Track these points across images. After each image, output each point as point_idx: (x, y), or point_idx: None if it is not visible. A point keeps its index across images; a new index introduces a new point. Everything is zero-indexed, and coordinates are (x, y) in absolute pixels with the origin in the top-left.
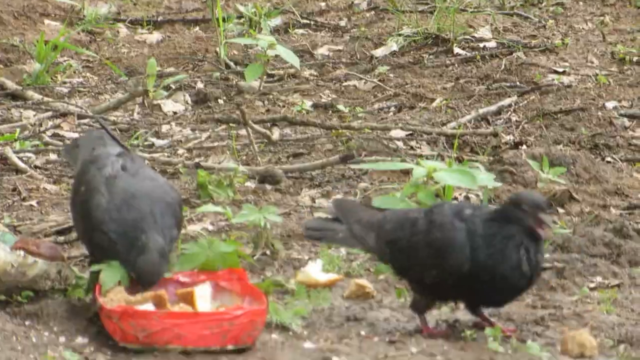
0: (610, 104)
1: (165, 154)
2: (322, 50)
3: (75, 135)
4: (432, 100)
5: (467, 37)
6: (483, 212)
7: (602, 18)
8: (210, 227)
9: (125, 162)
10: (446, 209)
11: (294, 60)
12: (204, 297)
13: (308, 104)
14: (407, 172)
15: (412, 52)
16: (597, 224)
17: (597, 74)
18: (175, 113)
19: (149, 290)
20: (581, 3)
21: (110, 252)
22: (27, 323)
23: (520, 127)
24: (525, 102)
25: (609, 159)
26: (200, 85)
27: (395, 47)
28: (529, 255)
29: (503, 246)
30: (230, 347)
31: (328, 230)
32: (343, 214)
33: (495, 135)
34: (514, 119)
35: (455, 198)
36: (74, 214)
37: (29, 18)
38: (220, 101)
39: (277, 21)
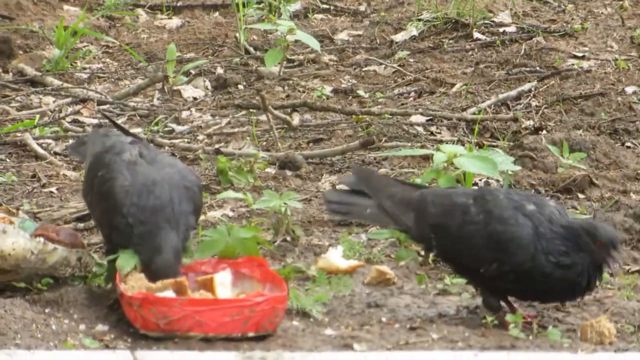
0: (629, 89)
1: (185, 140)
2: (341, 36)
3: (95, 121)
4: (452, 85)
5: (487, 21)
6: (546, 211)
7: (621, 2)
8: (231, 214)
9: (141, 149)
10: (502, 200)
11: (314, 43)
12: (224, 284)
13: (328, 89)
14: (427, 158)
15: (431, 37)
16: (617, 210)
17: (616, 59)
18: (195, 99)
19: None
20: None
21: (126, 237)
22: (47, 310)
23: (540, 112)
24: (545, 87)
25: (628, 144)
26: (220, 70)
27: (415, 32)
28: (590, 280)
29: (568, 268)
30: (251, 334)
31: (353, 205)
32: (370, 187)
33: (515, 120)
34: (533, 104)
35: (475, 184)
36: (89, 199)
37: (48, 4)
38: (240, 87)
39: (296, 6)
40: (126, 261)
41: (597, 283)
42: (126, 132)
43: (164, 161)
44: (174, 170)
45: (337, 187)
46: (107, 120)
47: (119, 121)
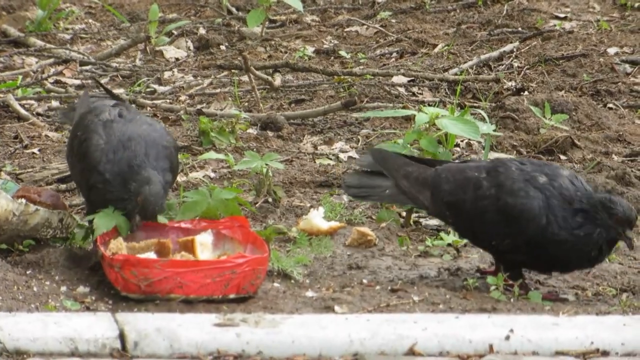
0: (611, 50)
1: (167, 101)
2: None
3: (77, 82)
4: (434, 46)
5: None
6: (558, 182)
7: None
8: (212, 175)
9: (121, 109)
10: (514, 172)
11: (296, 4)
12: (205, 245)
13: (310, 50)
14: (409, 119)
15: None
16: (599, 171)
17: (598, 20)
18: (177, 59)
19: (149, 229)
20: None
21: (106, 193)
22: (28, 272)
23: (522, 73)
24: (527, 48)
25: (610, 105)
26: (202, 31)
27: None
28: (601, 251)
29: (581, 238)
30: (232, 295)
31: (372, 188)
32: (387, 167)
33: (497, 81)
34: (515, 65)
35: (457, 145)
36: (70, 158)
37: None
38: (223, 47)
39: None
40: (102, 223)
41: (608, 255)
42: (111, 94)
43: (142, 120)
44: (152, 129)
45: (353, 169)
46: (89, 81)
47: (102, 82)
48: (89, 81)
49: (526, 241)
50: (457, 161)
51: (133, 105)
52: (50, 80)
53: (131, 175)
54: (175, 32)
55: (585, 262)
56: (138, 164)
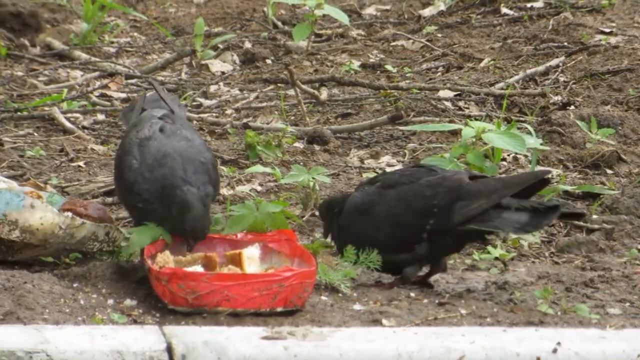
0: None
1: (214, 114)
2: (369, 10)
3: (123, 95)
4: (480, 60)
5: None
6: None
7: None
8: (259, 188)
9: (165, 124)
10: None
11: (343, 18)
12: (252, 258)
13: (356, 64)
14: (455, 133)
15: (459, 12)
16: None
17: None
18: (223, 73)
19: (199, 248)
20: None
21: (147, 213)
22: (75, 285)
23: (568, 87)
24: (573, 62)
25: None
26: (248, 45)
27: (443, 7)
28: None
29: None
30: (279, 309)
31: None
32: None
33: (543, 95)
34: (561, 79)
35: (504, 159)
36: (114, 177)
37: None
38: (268, 61)
39: None
40: (140, 236)
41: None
42: (165, 102)
43: (181, 135)
44: (189, 144)
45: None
46: (135, 95)
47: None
48: (135, 95)
49: None
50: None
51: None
52: (96, 93)
53: (168, 197)
54: (221, 46)
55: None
56: (175, 184)
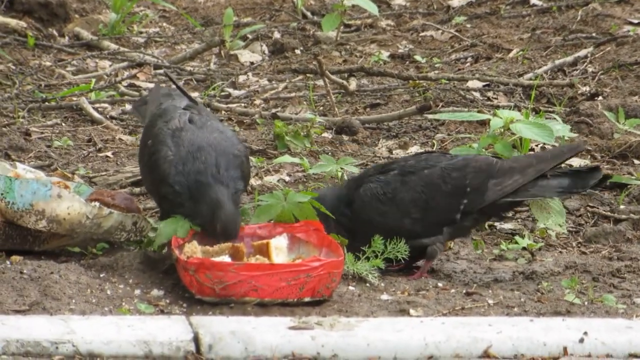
0: None
1: (242, 105)
2: (399, 1)
3: (151, 85)
4: (509, 51)
5: None
6: None
7: None
8: (287, 178)
9: (192, 114)
10: None
11: (372, 8)
12: (280, 248)
13: (385, 54)
14: (483, 123)
15: (488, 2)
16: None
17: None
18: (252, 63)
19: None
20: None
21: (177, 205)
22: (101, 275)
23: (596, 78)
24: (601, 53)
25: None
26: (277, 35)
27: None
28: None
29: None
30: (307, 299)
31: None
32: None
33: (572, 86)
34: (590, 70)
35: (532, 149)
36: (141, 167)
37: None
38: (297, 51)
39: None
40: (167, 228)
41: None
42: (186, 94)
43: (213, 127)
44: (222, 137)
45: None
46: (164, 85)
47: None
48: (164, 85)
49: None
50: None
51: (204, 106)
52: (124, 83)
53: (200, 194)
54: (249, 36)
55: None
56: (206, 182)
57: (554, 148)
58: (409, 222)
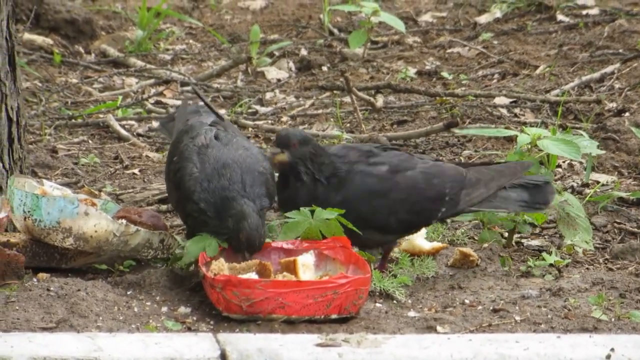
0: None
1: (269, 122)
2: (425, 17)
3: (178, 102)
4: (536, 67)
5: (570, 4)
6: None
7: None
8: None
9: (218, 131)
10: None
11: (399, 25)
12: (307, 265)
13: (412, 71)
14: (510, 140)
15: (515, 19)
16: None
17: None
18: (279, 80)
19: (253, 256)
20: None
21: (203, 223)
22: (129, 293)
23: (623, 94)
24: (628, 69)
25: None
26: (304, 52)
27: (498, 14)
28: None
29: None
30: (334, 316)
31: None
32: None
33: (599, 102)
34: (617, 86)
35: (559, 165)
36: (167, 184)
37: None
38: (324, 68)
39: None
40: (194, 246)
41: None
42: (213, 110)
43: (238, 144)
44: (248, 154)
45: None
46: (190, 102)
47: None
48: (190, 101)
49: None
50: None
51: (230, 123)
52: (151, 100)
53: (225, 209)
54: (276, 53)
55: None
56: (231, 197)
57: (507, 164)
58: (395, 220)
